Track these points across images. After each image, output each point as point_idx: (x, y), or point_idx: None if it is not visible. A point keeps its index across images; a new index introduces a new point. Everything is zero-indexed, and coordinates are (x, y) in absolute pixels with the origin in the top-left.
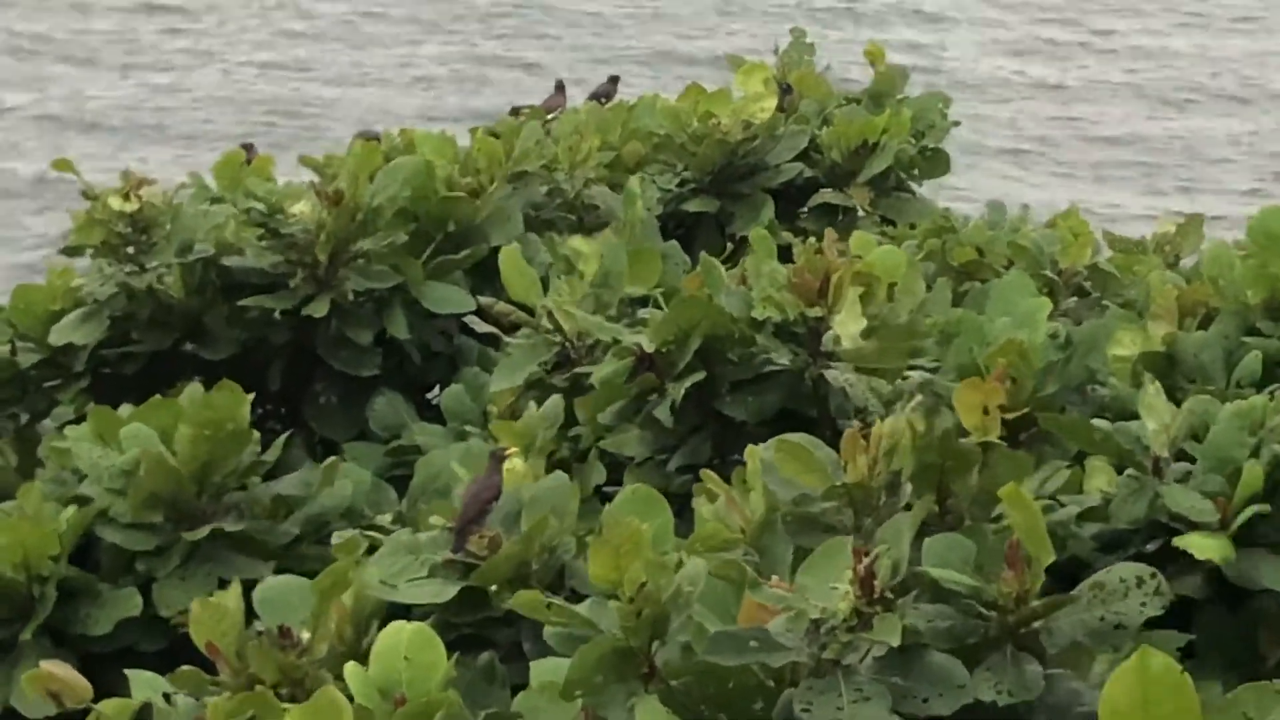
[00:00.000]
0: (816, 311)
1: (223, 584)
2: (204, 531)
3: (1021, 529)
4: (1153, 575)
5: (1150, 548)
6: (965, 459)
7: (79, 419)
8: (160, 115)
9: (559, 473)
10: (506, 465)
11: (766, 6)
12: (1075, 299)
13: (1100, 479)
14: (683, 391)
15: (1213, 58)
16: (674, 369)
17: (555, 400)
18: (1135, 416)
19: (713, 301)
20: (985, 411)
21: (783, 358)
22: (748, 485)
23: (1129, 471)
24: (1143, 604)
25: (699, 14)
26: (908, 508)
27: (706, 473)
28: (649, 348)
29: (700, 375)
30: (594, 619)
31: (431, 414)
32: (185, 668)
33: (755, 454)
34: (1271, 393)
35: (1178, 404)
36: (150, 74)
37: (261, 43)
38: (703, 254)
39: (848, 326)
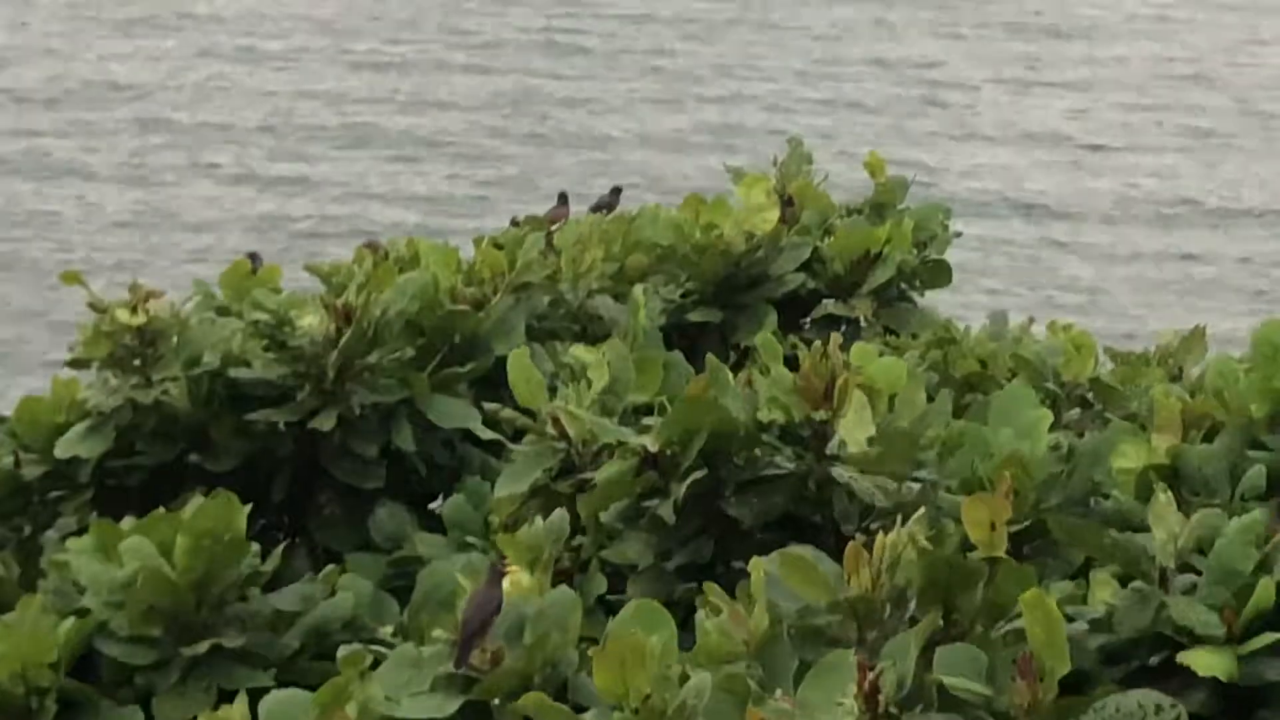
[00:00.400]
0: (822, 415)
1: (223, 696)
2: (203, 647)
3: (1039, 638)
4: (1173, 705)
5: (1154, 661)
6: (971, 575)
7: (81, 531)
8: None
9: (563, 587)
10: (511, 578)
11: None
12: (1078, 411)
13: (1104, 591)
14: (684, 489)
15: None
16: (678, 469)
17: (560, 514)
18: (1140, 529)
19: (718, 403)
20: (992, 527)
21: (787, 460)
22: (751, 597)
23: (1134, 584)
24: None
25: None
26: (913, 621)
27: (709, 585)
28: (653, 447)
29: (703, 473)
30: None
31: (434, 524)
32: None
33: (759, 566)
34: (1277, 507)
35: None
36: None
37: None
38: (709, 357)
39: (853, 431)
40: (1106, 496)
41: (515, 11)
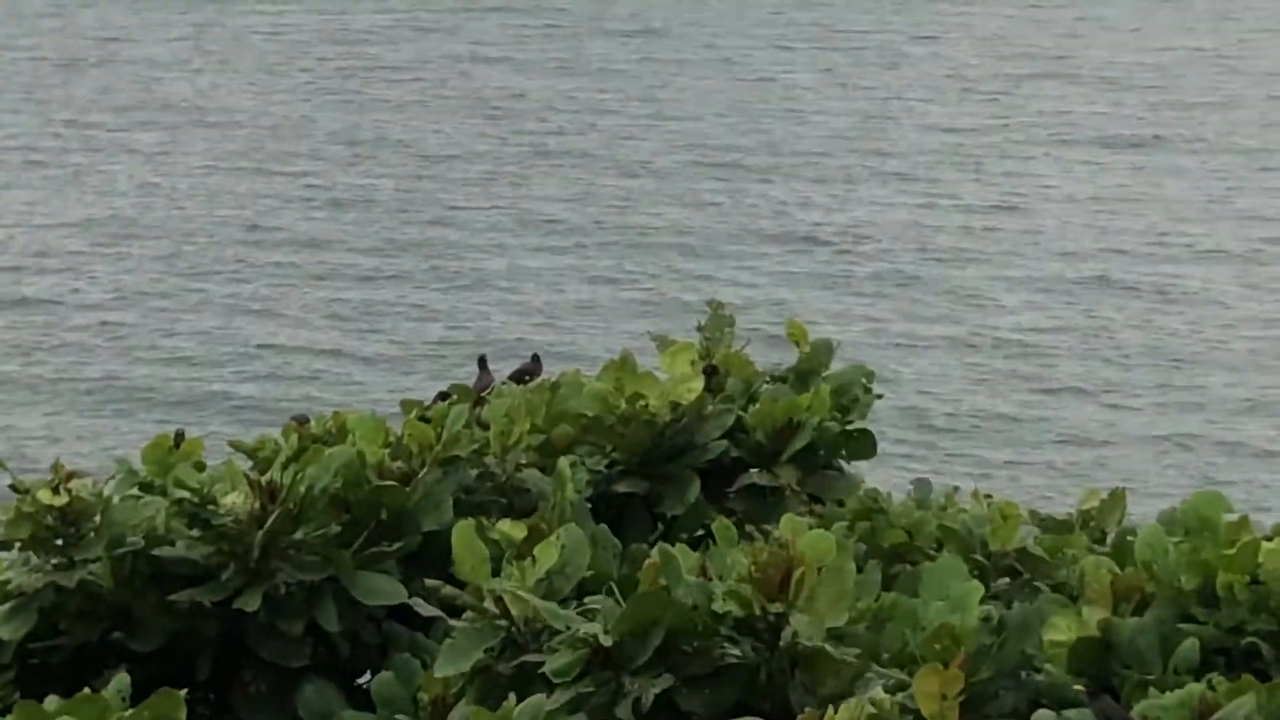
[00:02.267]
0: (777, 607)
1: None
2: None
3: None
4: None
5: None
6: None
7: (5, 712)
8: None
9: None
10: None
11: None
12: (1006, 580)
13: None
14: (652, 696)
15: None
16: (630, 663)
17: (539, 699)
18: (1072, 704)
19: (672, 596)
20: (944, 698)
21: (742, 651)
22: None
23: None
24: None
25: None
26: None
27: None
28: (606, 641)
29: (668, 679)
30: None
31: (361, 700)
32: None
33: None
34: (1209, 681)
35: (1114, 689)
36: None
37: None
38: (661, 545)
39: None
40: (1038, 670)
41: None
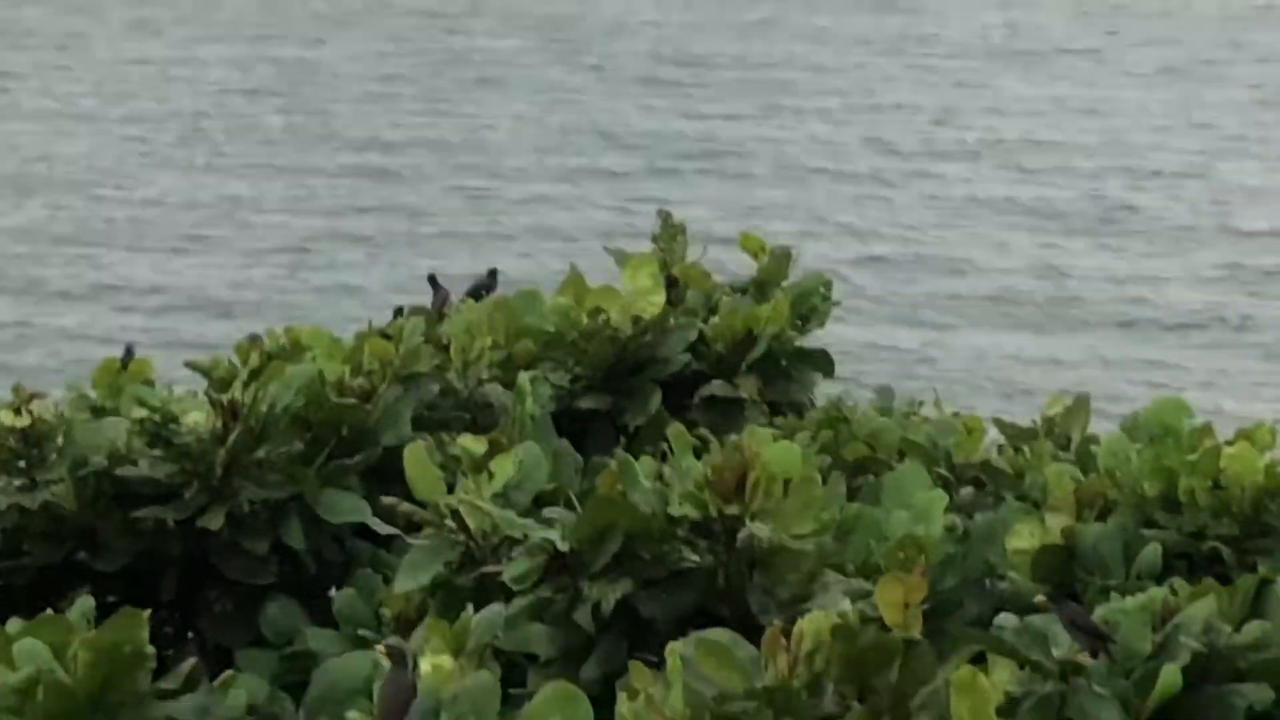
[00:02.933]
0: (734, 510)
1: None
2: None
3: (966, 716)
4: None
5: None
6: (889, 654)
7: None
8: None
9: (484, 672)
10: (432, 662)
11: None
12: (970, 490)
13: (1002, 674)
14: (613, 601)
15: None
16: (588, 568)
17: (497, 608)
18: (1036, 610)
19: (629, 500)
20: (906, 607)
21: (700, 556)
22: (669, 682)
23: (1033, 675)
24: None
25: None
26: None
27: (635, 665)
28: (564, 547)
29: (627, 584)
30: None
31: (325, 618)
32: None
33: (676, 651)
34: (1171, 585)
35: (1077, 595)
36: None
37: None
38: (618, 451)
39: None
40: (1002, 578)
41: None
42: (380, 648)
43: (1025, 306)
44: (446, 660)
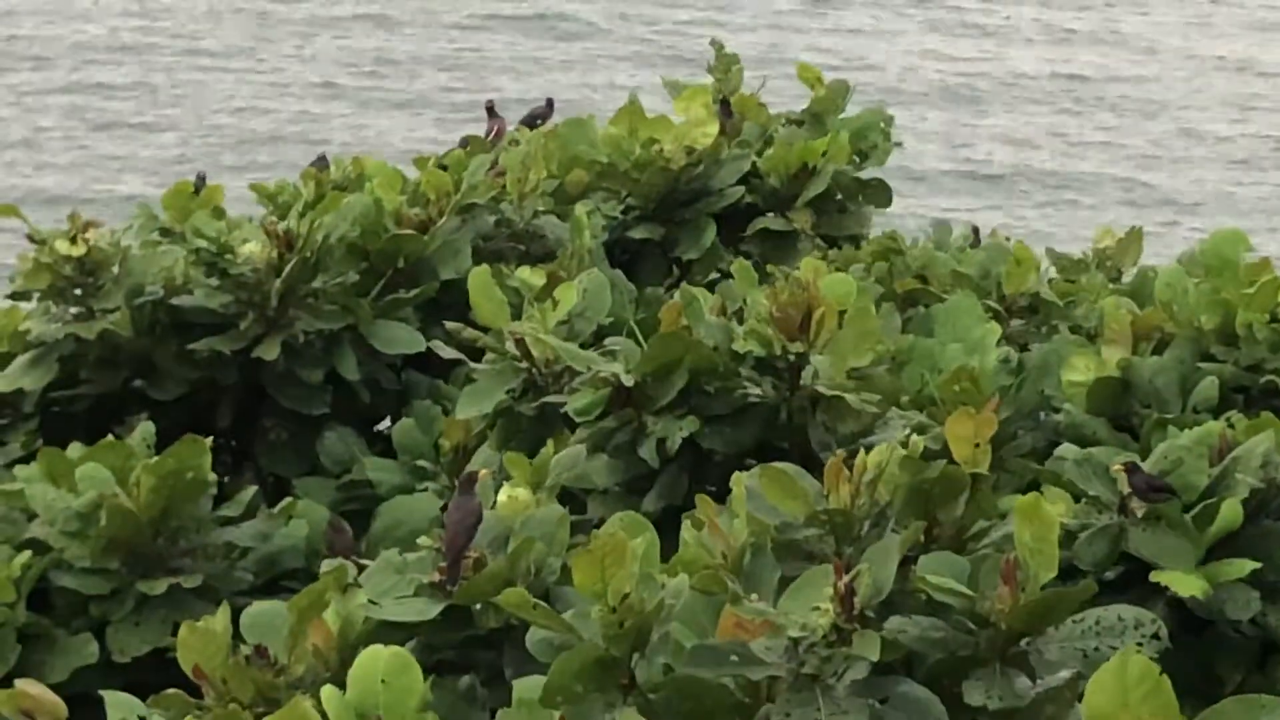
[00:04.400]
0: (798, 347)
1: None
2: (162, 586)
3: (1029, 544)
4: (1154, 620)
5: (1110, 575)
6: (956, 486)
7: (27, 458)
8: None
9: (555, 504)
10: (509, 493)
11: None
12: (1022, 321)
13: (1059, 506)
14: (679, 438)
15: None
16: (653, 403)
17: (578, 449)
18: (1091, 442)
19: (694, 336)
20: (976, 444)
21: (763, 391)
22: (733, 512)
23: (1090, 508)
24: (1139, 644)
25: None
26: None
27: (701, 497)
28: (628, 381)
29: (692, 422)
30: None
31: (382, 447)
32: (170, 691)
33: (740, 481)
34: (1228, 419)
35: (1133, 429)
36: None
37: None
38: (683, 286)
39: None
40: (1057, 410)
41: None
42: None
43: None
44: (524, 492)
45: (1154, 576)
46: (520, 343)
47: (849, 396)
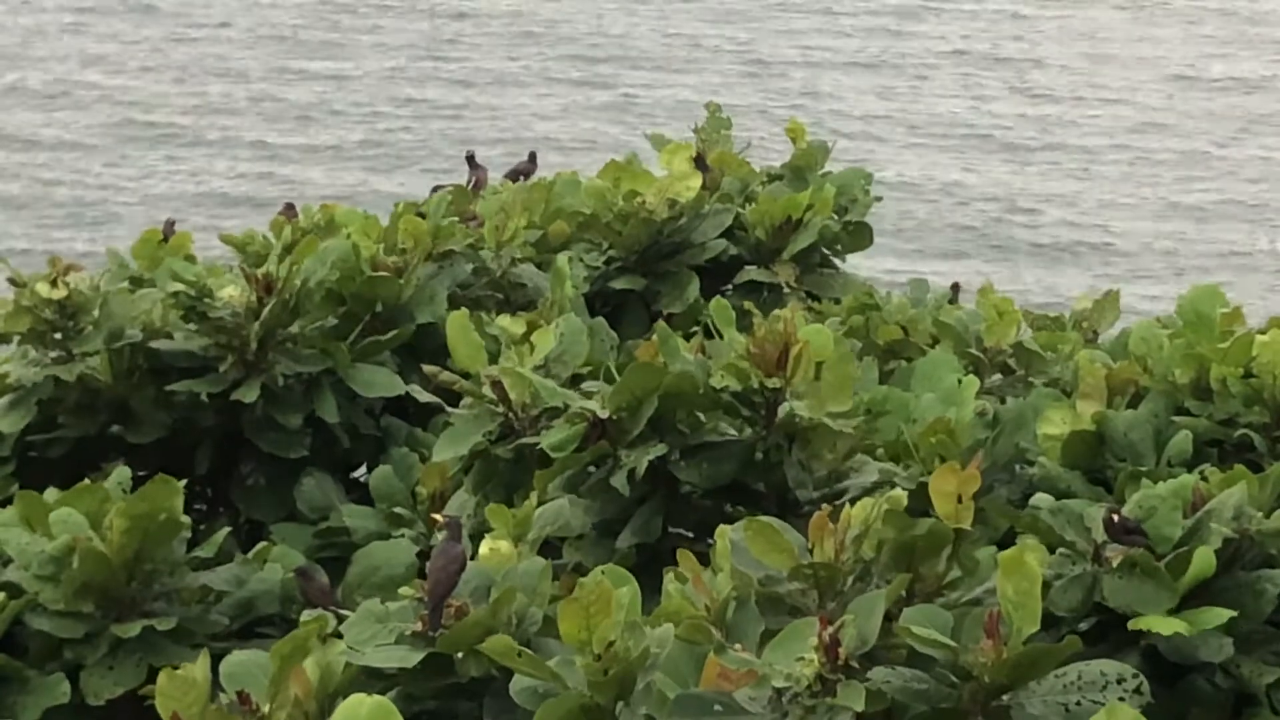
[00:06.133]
0: (775, 382)
1: (151, 674)
2: (136, 629)
3: (1013, 598)
4: (1135, 675)
5: (1084, 626)
6: (939, 541)
7: (4, 502)
8: None
9: (538, 558)
10: (490, 545)
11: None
12: (999, 376)
13: (1034, 558)
14: (645, 463)
15: None
16: (626, 436)
17: (562, 504)
18: (1066, 495)
19: (668, 369)
20: (959, 499)
21: (740, 427)
22: (716, 565)
23: (1065, 556)
24: (1121, 698)
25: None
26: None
27: (683, 552)
28: (602, 414)
29: (661, 448)
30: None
31: (359, 494)
32: None
33: (725, 534)
34: (1202, 472)
35: (1107, 482)
36: None
37: None
38: (659, 324)
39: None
40: (1031, 463)
41: None
42: (438, 516)
43: None
44: (505, 545)
45: (1133, 624)
46: (497, 386)
47: (828, 420)
